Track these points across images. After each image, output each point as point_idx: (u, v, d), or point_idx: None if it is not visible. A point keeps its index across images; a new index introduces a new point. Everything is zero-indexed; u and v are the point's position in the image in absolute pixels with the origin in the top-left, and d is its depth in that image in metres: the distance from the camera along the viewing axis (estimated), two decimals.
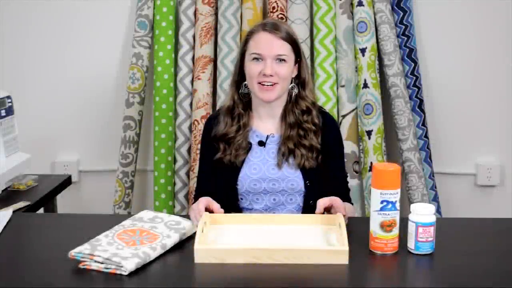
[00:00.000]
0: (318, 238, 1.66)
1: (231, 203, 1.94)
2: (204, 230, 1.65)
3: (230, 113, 2.00)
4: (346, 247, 1.52)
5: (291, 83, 1.97)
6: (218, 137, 1.98)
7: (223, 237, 1.67)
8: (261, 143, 1.98)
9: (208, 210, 1.76)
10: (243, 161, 1.95)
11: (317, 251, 1.53)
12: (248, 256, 1.51)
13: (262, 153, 1.97)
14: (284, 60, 1.91)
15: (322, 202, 1.74)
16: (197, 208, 1.75)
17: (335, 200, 1.76)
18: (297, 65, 1.97)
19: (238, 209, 1.96)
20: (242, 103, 2.00)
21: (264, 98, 1.93)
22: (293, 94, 1.98)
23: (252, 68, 1.92)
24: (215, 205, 1.77)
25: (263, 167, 1.95)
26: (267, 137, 1.98)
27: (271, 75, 1.89)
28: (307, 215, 1.80)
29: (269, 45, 1.91)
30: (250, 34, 1.96)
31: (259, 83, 1.91)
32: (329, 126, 2.00)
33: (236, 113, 1.99)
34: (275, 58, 1.90)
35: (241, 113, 1.99)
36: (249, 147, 1.97)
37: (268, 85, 1.90)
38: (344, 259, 1.50)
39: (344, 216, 1.72)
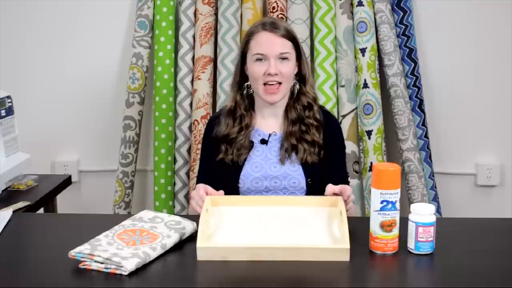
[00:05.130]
0: (320, 227, 1.65)
1: None
2: (206, 217, 1.64)
3: (232, 115, 1.99)
4: (347, 245, 1.52)
5: (293, 79, 1.98)
6: (220, 138, 1.98)
7: (224, 226, 1.66)
8: (263, 141, 1.98)
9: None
10: (244, 160, 1.96)
11: (318, 249, 1.53)
12: (250, 253, 1.51)
13: (264, 151, 1.97)
14: (287, 58, 1.92)
15: (331, 188, 1.73)
16: (198, 194, 1.76)
17: (344, 189, 1.74)
18: (297, 61, 1.98)
19: None
20: (244, 104, 2.00)
21: (270, 101, 1.93)
22: (295, 91, 1.98)
23: (256, 69, 1.92)
24: (214, 191, 1.79)
25: (265, 165, 1.95)
26: (269, 135, 1.99)
27: (275, 74, 1.90)
28: (309, 197, 1.80)
29: (271, 44, 1.91)
30: (250, 34, 1.96)
31: (264, 84, 1.91)
32: (330, 124, 2.00)
33: (238, 114, 1.99)
34: (278, 57, 1.91)
35: (243, 114, 1.99)
36: (251, 146, 1.97)
37: (273, 85, 1.91)
38: (345, 257, 1.51)
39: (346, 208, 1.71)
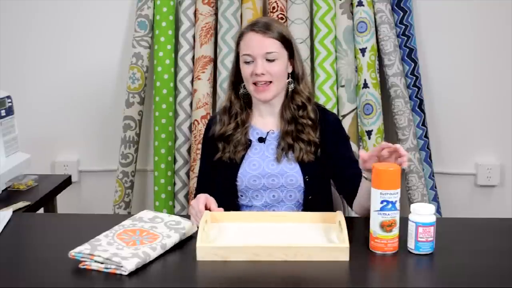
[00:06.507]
0: (319, 236, 1.66)
1: (231, 200, 1.95)
2: (205, 229, 1.65)
3: (227, 113, 2.01)
4: (346, 244, 1.52)
5: (288, 78, 1.98)
6: (217, 137, 1.99)
7: (224, 236, 1.67)
8: (261, 140, 1.99)
9: (207, 209, 1.77)
10: (242, 158, 1.96)
11: (318, 248, 1.53)
12: (249, 253, 1.51)
13: (261, 149, 1.98)
14: (274, 57, 1.92)
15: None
16: (197, 207, 1.75)
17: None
18: (290, 60, 1.98)
19: (238, 207, 1.96)
20: (240, 102, 2.00)
21: (261, 98, 1.94)
22: (290, 90, 1.98)
23: (245, 70, 1.94)
24: (213, 205, 1.78)
25: (263, 163, 1.95)
26: (267, 133, 1.99)
27: (262, 74, 1.90)
28: (307, 213, 1.80)
29: (257, 44, 1.91)
30: (240, 36, 1.97)
31: (254, 83, 1.92)
32: (328, 121, 1.99)
33: (233, 112, 2.00)
34: (265, 57, 1.91)
35: (238, 111, 2.00)
36: (248, 144, 1.98)
37: (261, 85, 1.91)
38: (344, 256, 1.51)
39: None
